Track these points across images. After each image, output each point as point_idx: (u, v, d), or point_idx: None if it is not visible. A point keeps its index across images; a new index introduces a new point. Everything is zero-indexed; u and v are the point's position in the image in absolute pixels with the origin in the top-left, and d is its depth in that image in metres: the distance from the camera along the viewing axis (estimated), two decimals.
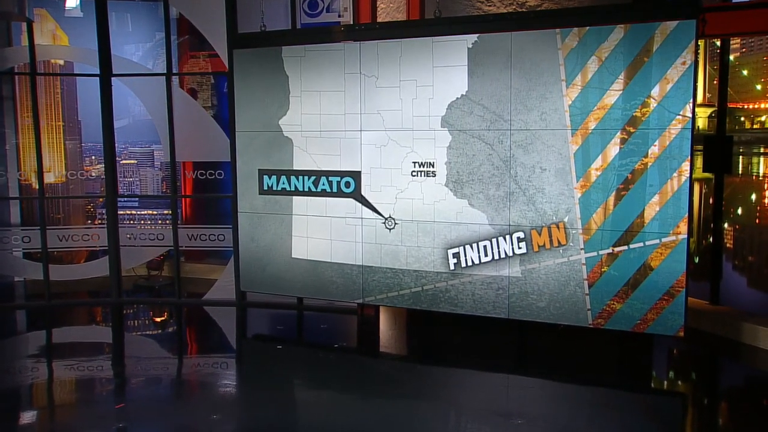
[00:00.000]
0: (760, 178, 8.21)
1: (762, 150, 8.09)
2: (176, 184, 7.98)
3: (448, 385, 5.62)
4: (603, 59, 5.62)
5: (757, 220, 8.33)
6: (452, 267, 6.36)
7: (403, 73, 6.38)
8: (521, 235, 6.07)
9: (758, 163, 8.25)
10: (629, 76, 5.56)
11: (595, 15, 5.77)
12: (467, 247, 6.29)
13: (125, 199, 8.97)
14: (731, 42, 6.78)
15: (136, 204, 9.49)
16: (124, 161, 9.24)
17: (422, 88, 6.30)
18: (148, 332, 7.62)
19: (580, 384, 5.64)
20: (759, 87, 7.69)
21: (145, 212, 9.41)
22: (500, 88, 5.98)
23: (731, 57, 6.87)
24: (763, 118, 7.74)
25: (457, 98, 6.16)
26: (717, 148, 6.64)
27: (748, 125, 7.80)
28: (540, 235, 5.99)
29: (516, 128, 5.95)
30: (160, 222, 9.28)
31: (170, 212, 8.14)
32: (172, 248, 8.05)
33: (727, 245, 7.53)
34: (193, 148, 7.88)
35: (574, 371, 5.87)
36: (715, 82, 6.68)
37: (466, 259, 6.31)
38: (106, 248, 8.14)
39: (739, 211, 8.15)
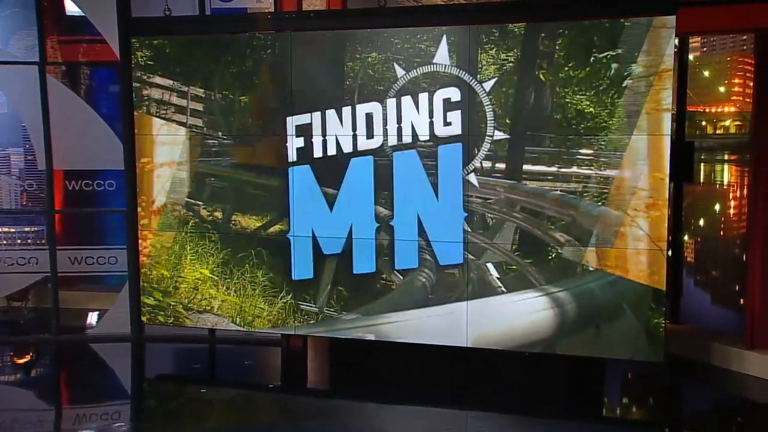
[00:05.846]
0: (725, 187, 8.57)
1: (726, 157, 8.44)
2: (52, 196, 7.31)
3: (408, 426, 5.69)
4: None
5: (720, 232, 8.69)
6: None
7: None
8: None
9: (722, 170, 8.60)
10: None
11: (564, 8, 5.80)
12: None
13: None
14: (690, 41, 7.02)
15: None
16: None
17: None
18: (19, 378, 7.12)
19: (542, 417, 5.74)
20: (722, 89, 8.03)
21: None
22: None
23: (690, 56, 7.13)
24: (726, 123, 8.08)
25: None
26: (676, 154, 6.80)
27: (710, 130, 8.12)
28: None
29: None
30: (19, 242, 8.45)
31: (33, 230, 7.46)
32: (49, 274, 7.32)
33: (688, 259, 7.79)
34: (73, 152, 7.44)
35: (531, 401, 6.01)
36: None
37: None
38: None
39: (701, 222, 8.47)
